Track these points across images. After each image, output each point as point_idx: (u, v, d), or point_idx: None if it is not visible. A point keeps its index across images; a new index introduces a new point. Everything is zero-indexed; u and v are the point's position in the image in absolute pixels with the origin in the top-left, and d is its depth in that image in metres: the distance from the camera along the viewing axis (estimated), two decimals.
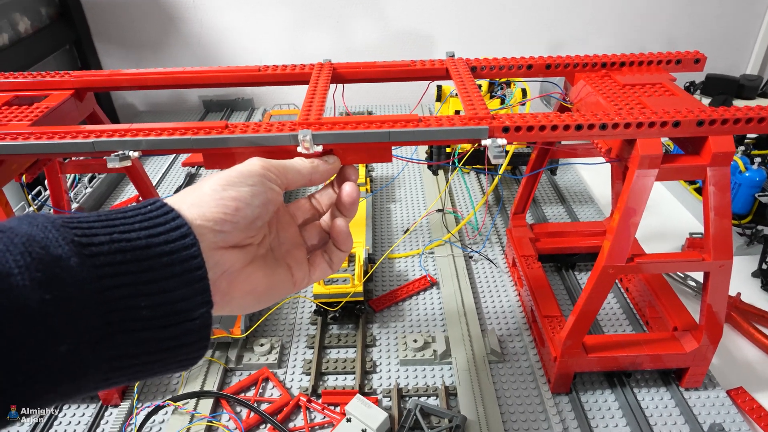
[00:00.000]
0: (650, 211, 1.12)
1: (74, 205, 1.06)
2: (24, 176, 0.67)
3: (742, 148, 1.08)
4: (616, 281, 0.93)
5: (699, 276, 0.96)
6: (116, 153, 0.54)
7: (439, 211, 1.10)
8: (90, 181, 1.18)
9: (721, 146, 0.57)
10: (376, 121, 0.55)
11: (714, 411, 0.71)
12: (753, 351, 0.84)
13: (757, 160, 1.04)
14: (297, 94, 1.62)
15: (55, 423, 0.72)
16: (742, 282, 0.96)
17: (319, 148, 0.54)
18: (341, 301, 0.81)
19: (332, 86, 0.71)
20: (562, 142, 0.87)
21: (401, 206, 1.16)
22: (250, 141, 0.55)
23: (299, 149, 0.54)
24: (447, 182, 1.19)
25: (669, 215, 1.15)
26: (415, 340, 0.80)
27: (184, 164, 1.32)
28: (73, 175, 1.12)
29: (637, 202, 0.58)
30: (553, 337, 0.72)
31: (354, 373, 0.77)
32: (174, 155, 1.37)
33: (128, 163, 0.55)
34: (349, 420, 0.66)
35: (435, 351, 0.79)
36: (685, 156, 0.59)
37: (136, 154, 0.55)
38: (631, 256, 0.62)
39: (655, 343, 0.72)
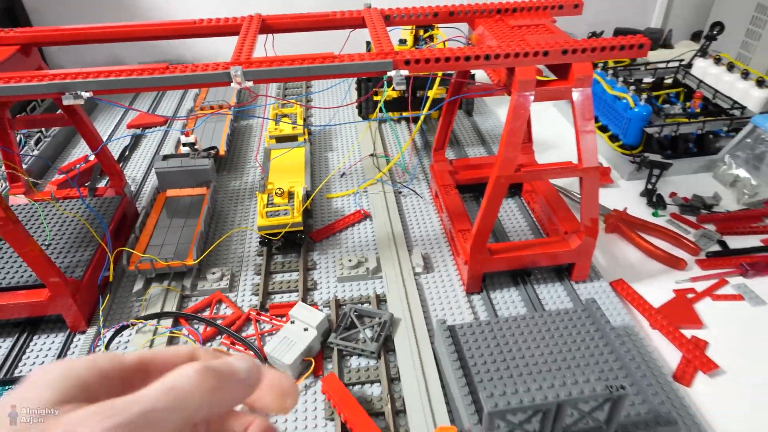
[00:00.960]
0: (554, 147, 1.27)
1: (24, 166, 1.11)
2: None
3: (633, 87, 1.24)
4: (524, 203, 1.07)
5: None
6: (71, 92, 0.62)
7: (371, 155, 1.21)
8: (36, 143, 1.22)
9: (583, 71, 0.70)
10: (297, 59, 0.65)
11: (596, 296, 0.86)
12: (635, 254, 1.00)
13: (644, 96, 1.19)
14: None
15: (27, 350, 0.80)
16: (632, 201, 1.12)
17: (250, 84, 0.63)
18: (282, 231, 0.92)
19: (263, 37, 0.80)
20: (468, 85, 0.99)
21: (337, 154, 1.26)
22: (189, 79, 0.64)
23: (232, 84, 0.63)
24: (369, 128, 1.30)
25: (569, 148, 1.29)
26: (350, 260, 0.91)
27: (129, 126, 1.38)
28: (18, 137, 1.16)
29: (519, 120, 0.71)
30: (464, 245, 0.85)
31: (297, 291, 0.88)
32: (120, 116, 1.42)
33: (81, 102, 0.62)
34: (292, 322, 0.77)
35: (368, 268, 0.91)
36: (555, 81, 0.72)
37: (87, 94, 0.63)
38: (519, 167, 0.75)
39: (548, 244, 0.86)
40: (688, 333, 0.82)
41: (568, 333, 0.72)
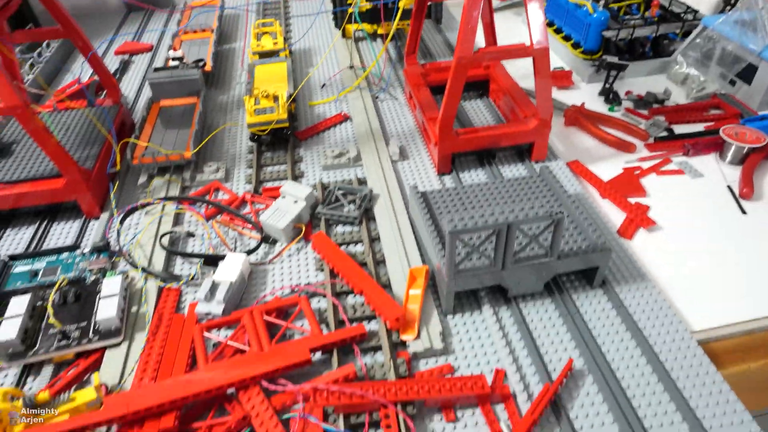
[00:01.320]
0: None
1: (26, 79, 1.18)
2: None
3: None
4: (491, 102, 1.16)
5: (554, 95, 1.22)
6: None
7: (350, 67, 1.29)
8: (31, 68, 1.29)
9: None
10: None
11: (557, 176, 0.97)
12: (591, 142, 1.10)
13: (602, 2, 1.27)
14: None
15: (48, 235, 0.90)
16: (591, 99, 1.22)
17: None
18: (269, 127, 1.01)
19: None
20: None
21: (319, 69, 1.34)
22: None
23: None
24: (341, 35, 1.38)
25: None
26: (333, 151, 1.01)
27: (117, 52, 1.44)
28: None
29: (475, 3, 0.80)
30: (434, 129, 0.95)
31: (286, 179, 0.98)
32: (106, 46, 1.48)
33: None
34: (283, 197, 0.87)
35: (349, 158, 1.01)
36: None
37: None
38: (478, 49, 0.84)
39: (508, 126, 0.96)
40: (633, 201, 0.94)
41: (524, 193, 0.83)
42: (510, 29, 1.52)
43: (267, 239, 0.85)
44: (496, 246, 0.68)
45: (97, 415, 0.58)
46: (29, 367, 0.69)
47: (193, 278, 0.79)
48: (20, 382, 0.67)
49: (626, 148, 1.06)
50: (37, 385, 0.66)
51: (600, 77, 1.27)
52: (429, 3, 1.20)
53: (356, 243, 0.85)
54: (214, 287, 0.73)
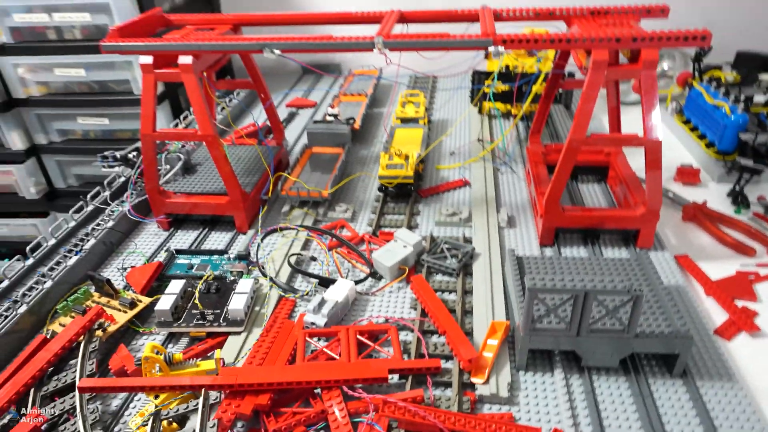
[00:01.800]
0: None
1: (218, 116, 1.47)
2: (205, 74, 1.07)
3: (732, 97, 1.31)
4: (608, 187, 1.20)
5: (676, 188, 1.23)
6: (268, 48, 0.91)
7: (479, 140, 1.42)
8: (222, 109, 1.60)
9: (650, 55, 0.85)
10: (421, 36, 0.89)
11: (657, 262, 0.99)
12: (708, 240, 1.09)
13: (741, 106, 1.27)
14: (375, 60, 1.98)
15: (207, 239, 1.11)
16: (717, 200, 1.20)
17: (387, 51, 0.88)
18: (396, 181, 1.15)
19: (399, 26, 1.05)
20: (566, 79, 1.17)
21: (451, 137, 1.48)
22: (344, 45, 0.90)
23: (374, 51, 0.88)
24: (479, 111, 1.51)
25: (669, 152, 1.39)
26: (448, 210, 1.12)
27: (288, 105, 1.72)
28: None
29: (592, 92, 0.88)
30: (541, 201, 1.02)
31: (401, 226, 1.11)
32: (281, 98, 1.77)
33: (273, 56, 0.92)
34: (395, 241, 1.00)
35: (461, 218, 1.11)
36: (626, 64, 0.88)
37: (278, 51, 0.92)
38: (591, 134, 0.92)
39: (614, 211, 1.00)
40: (740, 304, 0.92)
41: (615, 271, 0.86)
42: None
43: (374, 274, 0.98)
44: (572, 311, 0.73)
45: (213, 380, 0.72)
46: (172, 335, 0.87)
47: (307, 294, 0.93)
48: (164, 343, 0.85)
49: (745, 251, 1.04)
50: (175, 350, 0.84)
51: (731, 179, 1.25)
52: (560, 89, 1.30)
53: (450, 292, 0.94)
54: (322, 303, 0.87)
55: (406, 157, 1.20)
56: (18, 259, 0.99)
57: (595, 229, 1.03)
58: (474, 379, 0.76)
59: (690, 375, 0.76)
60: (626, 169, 1.12)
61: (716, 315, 0.90)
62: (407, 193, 1.19)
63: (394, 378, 0.77)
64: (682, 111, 1.52)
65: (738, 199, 1.19)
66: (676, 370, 0.76)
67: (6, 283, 0.96)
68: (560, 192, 0.97)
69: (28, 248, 1.02)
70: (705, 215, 1.13)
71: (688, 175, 1.28)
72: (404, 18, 1.06)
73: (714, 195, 1.22)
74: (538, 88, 1.28)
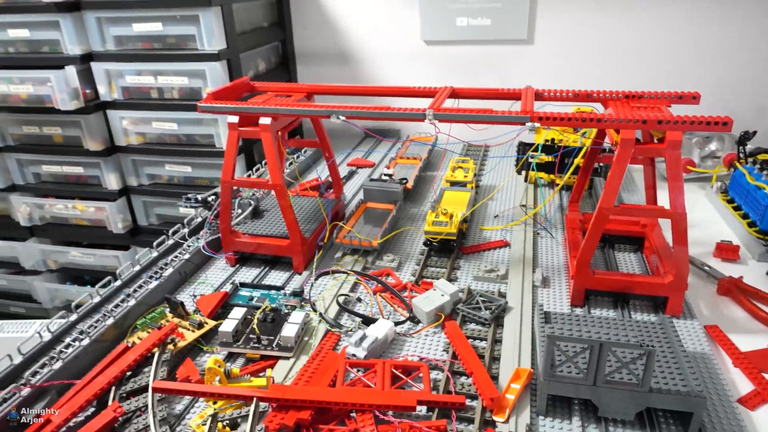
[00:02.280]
0: (698, 227, 1.41)
1: (286, 169, 1.65)
2: (279, 133, 1.24)
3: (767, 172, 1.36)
4: (643, 257, 1.26)
5: (714, 263, 1.26)
6: (335, 115, 1.07)
7: (522, 206, 1.51)
8: (289, 165, 1.78)
9: (674, 137, 0.94)
10: (467, 110, 1.02)
11: (685, 330, 1.03)
12: (741, 314, 1.12)
13: None
14: (430, 129, 2.14)
15: (267, 277, 1.25)
16: (756, 278, 1.23)
17: (436, 122, 1.02)
18: (440, 236, 1.26)
19: (450, 100, 1.20)
20: (604, 153, 1.26)
21: (497, 201, 1.59)
22: (400, 115, 1.05)
23: (426, 121, 1.02)
24: (527, 180, 1.60)
25: (711, 229, 1.44)
26: (486, 267, 1.22)
27: (349, 164, 1.89)
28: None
29: (620, 167, 0.97)
30: (573, 263, 1.10)
31: (441, 277, 1.20)
32: (343, 157, 1.95)
33: (338, 121, 1.07)
34: (435, 290, 1.10)
35: (498, 275, 1.20)
36: (652, 143, 0.97)
37: (342, 118, 1.08)
38: (619, 204, 1.00)
39: (643, 277, 1.06)
40: None
41: (638, 331, 0.92)
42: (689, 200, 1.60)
43: (413, 318, 1.07)
44: (589, 361, 0.79)
45: (264, 393, 0.83)
46: (231, 355, 0.99)
47: (351, 330, 1.04)
48: (224, 360, 0.97)
49: None
50: (233, 366, 0.95)
51: None
52: (600, 163, 1.40)
53: (481, 340, 1.01)
54: (363, 338, 0.97)
55: (451, 216, 1.31)
56: (108, 281, 1.16)
57: (625, 294, 1.08)
58: (495, 417, 0.82)
59: None
60: (660, 240, 1.19)
61: (742, 385, 0.93)
62: (450, 249, 1.29)
63: (423, 410, 0.85)
64: (726, 190, 1.57)
65: None
66: (691, 429, 0.80)
67: (97, 299, 1.12)
68: (590, 255, 1.05)
69: (118, 270, 1.18)
70: (740, 289, 1.16)
71: (726, 251, 1.31)
72: (455, 94, 1.20)
73: (753, 272, 1.25)
74: (579, 161, 1.37)
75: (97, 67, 1.80)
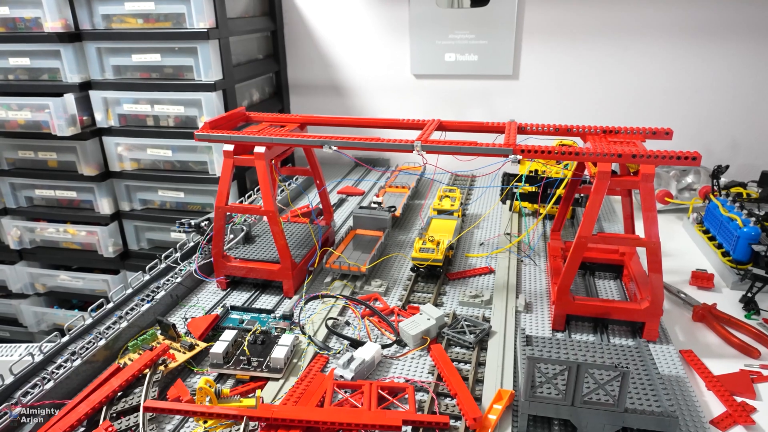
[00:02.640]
0: (675, 256, 1.47)
1: (278, 196, 1.69)
2: (273, 161, 1.28)
3: (745, 211, 1.42)
4: (622, 284, 1.31)
5: (690, 291, 1.31)
6: (327, 145, 1.12)
7: (506, 234, 1.56)
8: (281, 192, 1.82)
9: (647, 170, 1.00)
10: (453, 143, 1.08)
11: (661, 354, 1.07)
12: (715, 339, 1.16)
13: (753, 219, 1.37)
14: (419, 158, 2.20)
15: (257, 300, 1.27)
16: (729, 305, 1.28)
17: (424, 153, 1.07)
18: (427, 263, 1.30)
19: (438, 133, 1.25)
20: (584, 185, 1.32)
21: (483, 230, 1.63)
22: (389, 146, 1.10)
23: (413, 152, 1.07)
24: (511, 210, 1.66)
25: (688, 258, 1.49)
26: (471, 293, 1.25)
27: (339, 192, 1.94)
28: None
29: (598, 198, 1.02)
30: (554, 290, 1.14)
31: (428, 302, 1.24)
32: (334, 185, 2.00)
33: (330, 151, 1.12)
34: (421, 314, 1.13)
35: (482, 300, 1.24)
36: (628, 176, 1.03)
37: (334, 148, 1.13)
38: (597, 233, 1.05)
39: (620, 303, 1.11)
40: (739, 400, 0.98)
41: (615, 355, 0.96)
42: (667, 230, 1.66)
43: (399, 342, 1.10)
44: (567, 382, 0.83)
45: (253, 412, 0.85)
46: (222, 376, 1.01)
47: (339, 352, 1.06)
48: (215, 381, 0.99)
49: (750, 353, 1.10)
50: (224, 387, 0.97)
51: (744, 286, 1.33)
52: (580, 193, 1.45)
53: (466, 363, 1.04)
54: (351, 360, 0.99)
55: (437, 243, 1.36)
56: (101, 304, 1.18)
57: (604, 319, 1.13)
58: None
59: None
60: (638, 268, 1.23)
61: (714, 407, 0.97)
62: (436, 275, 1.33)
63: (408, 430, 0.88)
64: (702, 221, 1.63)
65: (749, 305, 1.26)
66: None
67: (89, 320, 1.14)
68: (570, 281, 1.09)
69: (110, 293, 1.20)
70: (714, 316, 1.21)
71: (702, 279, 1.37)
72: (442, 127, 1.26)
73: (727, 300, 1.30)
74: (560, 191, 1.43)
75: (96, 95, 1.85)
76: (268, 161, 1.21)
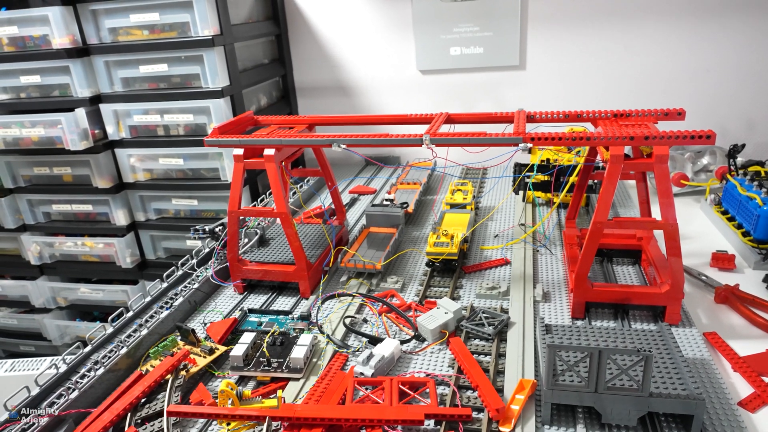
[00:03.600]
0: (694, 238, 1.45)
1: (291, 198, 1.69)
2: (283, 163, 1.29)
3: (765, 189, 1.39)
4: (641, 269, 1.29)
5: (711, 273, 1.29)
6: (336, 143, 1.12)
7: (521, 225, 1.55)
8: (293, 194, 1.83)
9: (661, 151, 0.99)
10: (462, 134, 1.07)
11: (684, 338, 1.05)
12: (740, 321, 1.14)
13: None
14: (429, 154, 2.20)
15: (275, 303, 1.28)
16: (752, 285, 1.25)
17: (433, 146, 1.07)
18: (442, 257, 1.30)
19: (446, 126, 1.25)
20: (597, 170, 1.31)
21: (497, 222, 1.63)
22: (398, 141, 1.10)
23: (423, 146, 1.07)
24: (525, 200, 1.64)
25: (707, 240, 1.47)
26: (488, 285, 1.25)
27: (350, 191, 1.94)
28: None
29: (611, 183, 1.01)
30: (572, 277, 1.13)
31: (445, 296, 1.23)
32: (346, 185, 2.00)
33: (339, 149, 1.12)
34: (438, 308, 1.13)
35: (499, 292, 1.23)
36: (641, 158, 1.02)
37: (343, 146, 1.13)
38: (613, 218, 1.04)
39: (640, 288, 1.09)
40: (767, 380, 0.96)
41: (637, 339, 0.95)
42: (685, 213, 1.64)
43: (418, 336, 1.10)
44: (589, 369, 0.82)
45: (275, 411, 0.85)
46: (242, 378, 1.02)
47: (358, 350, 1.06)
48: (237, 384, 1.00)
49: None
50: (245, 389, 0.98)
51: (766, 265, 1.31)
52: (593, 180, 1.44)
53: (486, 355, 1.04)
54: (370, 356, 0.99)
55: (452, 237, 1.35)
56: (121, 313, 1.19)
57: (624, 304, 1.11)
58: (502, 428, 0.85)
59: None
60: (656, 252, 1.22)
61: (742, 389, 0.95)
62: (452, 269, 1.33)
63: (431, 424, 0.87)
64: (720, 202, 1.60)
65: None
66: (693, 431, 0.82)
67: (110, 330, 1.15)
68: (588, 268, 1.08)
69: (129, 302, 1.22)
70: (737, 297, 1.19)
71: (722, 260, 1.34)
72: (451, 119, 1.25)
73: (749, 280, 1.28)
74: (573, 179, 1.42)
75: (106, 108, 1.87)
76: (278, 163, 1.21)
